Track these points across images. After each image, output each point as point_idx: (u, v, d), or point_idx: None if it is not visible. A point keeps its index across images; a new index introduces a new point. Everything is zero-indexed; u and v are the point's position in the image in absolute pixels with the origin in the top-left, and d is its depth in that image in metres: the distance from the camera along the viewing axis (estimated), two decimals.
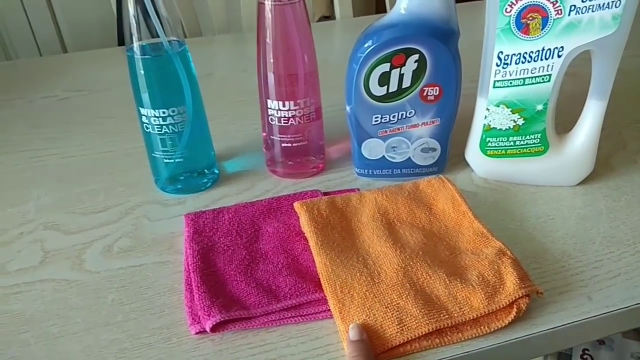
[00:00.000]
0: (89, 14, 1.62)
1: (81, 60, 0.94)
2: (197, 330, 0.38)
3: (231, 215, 0.48)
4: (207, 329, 0.37)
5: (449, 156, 0.54)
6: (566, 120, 0.51)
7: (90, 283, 0.43)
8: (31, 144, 0.65)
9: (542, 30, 0.44)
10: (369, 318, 0.37)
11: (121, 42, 1.01)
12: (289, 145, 0.53)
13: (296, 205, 0.47)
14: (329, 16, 2.08)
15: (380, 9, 1.78)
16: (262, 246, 0.45)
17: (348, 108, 0.51)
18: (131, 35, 0.45)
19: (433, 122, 0.50)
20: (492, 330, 0.37)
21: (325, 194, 0.51)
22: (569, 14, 0.43)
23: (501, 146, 0.50)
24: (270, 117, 0.52)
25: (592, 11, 0.43)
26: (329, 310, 0.39)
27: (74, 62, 0.93)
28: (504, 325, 0.37)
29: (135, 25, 0.45)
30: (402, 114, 0.50)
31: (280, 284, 0.41)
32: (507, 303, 0.37)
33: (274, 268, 0.42)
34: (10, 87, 0.81)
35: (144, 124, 0.49)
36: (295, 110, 0.51)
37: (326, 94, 0.54)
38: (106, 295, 0.42)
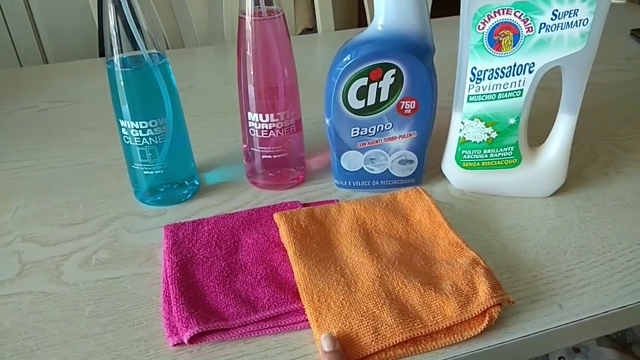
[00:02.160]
0: (70, 25, 1.61)
1: (62, 71, 0.94)
2: (175, 342, 0.38)
3: (211, 227, 0.48)
4: (185, 341, 0.37)
5: (427, 168, 0.55)
6: (539, 133, 0.53)
7: (68, 295, 0.43)
8: (10, 155, 0.64)
9: (513, 47, 0.45)
10: (344, 326, 0.37)
11: (102, 53, 1.01)
12: (269, 157, 0.54)
13: (276, 216, 0.48)
14: (312, 29, 2.10)
15: (362, 22, 1.81)
16: (241, 257, 0.45)
17: (327, 121, 0.52)
18: (111, 47, 0.46)
19: (410, 134, 0.51)
20: (465, 338, 0.37)
21: (305, 205, 0.52)
22: (539, 32, 0.44)
23: (476, 158, 0.52)
24: (250, 129, 0.53)
25: (562, 29, 0.44)
26: (307, 320, 0.39)
27: (55, 73, 0.93)
28: (476, 333, 0.37)
29: (115, 37, 0.45)
30: (380, 127, 0.51)
31: (259, 295, 0.41)
32: (480, 312, 0.38)
33: (253, 279, 0.43)
34: None
35: (124, 136, 0.49)
36: (275, 122, 0.52)
37: (308, 106, 0.55)
38: (84, 307, 0.42)
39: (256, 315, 0.39)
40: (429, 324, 0.37)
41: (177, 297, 0.40)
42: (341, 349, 0.36)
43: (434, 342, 0.37)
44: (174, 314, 0.39)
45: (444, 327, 0.37)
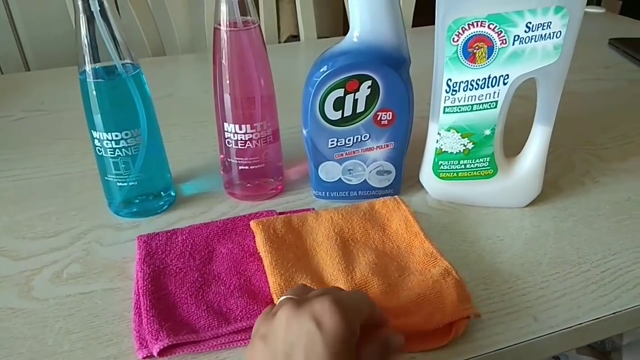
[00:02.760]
0: (51, 31, 1.59)
1: (41, 78, 0.93)
2: (145, 355, 0.37)
3: (185, 237, 0.47)
4: (155, 353, 0.37)
5: (404, 178, 0.55)
6: (517, 142, 0.53)
7: (38, 311, 0.42)
8: None
9: (487, 59, 0.45)
10: None
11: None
12: (247, 167, 0.54)
13: (252, 223, 0.47)
14: (297, 36, 2.10)
15: (347, 30, 1.82)
16: (215, 268, 0.45)
17: (305, 131, 0.52)
18: (84, 57, 0.45)
19: (387, 145, 0.51)
20: (431, 348, 0.38)
21: (280, 213, 0.52)
22: (513, 44, 0.45)
23: (453, 169, 0.52)
24: (227, 139, 0.52)
25: (535, 41, 0.45)
26: None
27: (34, 81, 0.92)
28: (442, 344, 0.38)
29: (87, 47, 0.44)
30: (357, 138, 0.51)
31: (232, 306, 0.41)
32: (445, 323, 0.38)
33: (226, 290, 0.42)
34: None
35: (97, 147, 0.49)
36: (252, 133, 0.51)
37: (288, 115, 0.54)
38: (53, 323, 0.41)
39: (228, 327, 0.39)
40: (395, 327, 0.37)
41: (148, 309, 0.40)
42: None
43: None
44: (144, 326, 0.39)
45: (409, 331, 0.37)
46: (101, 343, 0.39)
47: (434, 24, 0.46)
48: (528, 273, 0.45)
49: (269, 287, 0.42)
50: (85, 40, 0.44)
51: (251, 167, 0.54)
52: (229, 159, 0.54)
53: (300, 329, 0.29)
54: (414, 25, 1.13)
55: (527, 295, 0.43)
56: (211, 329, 0.39)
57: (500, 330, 0.40)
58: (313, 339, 0.29)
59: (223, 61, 0.48)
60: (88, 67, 0.45)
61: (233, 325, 0.39)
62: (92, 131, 0.48)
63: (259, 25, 0.49)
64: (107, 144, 0.48)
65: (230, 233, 0.48)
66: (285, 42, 1.65)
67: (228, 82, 0.49)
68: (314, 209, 0.53)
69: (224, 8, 0.46)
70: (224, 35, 0.47)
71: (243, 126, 0.51)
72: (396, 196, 0.51)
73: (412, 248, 0.46)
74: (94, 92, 0.46)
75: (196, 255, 0.46)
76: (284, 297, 0.33)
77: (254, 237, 0.47)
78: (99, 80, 0.46)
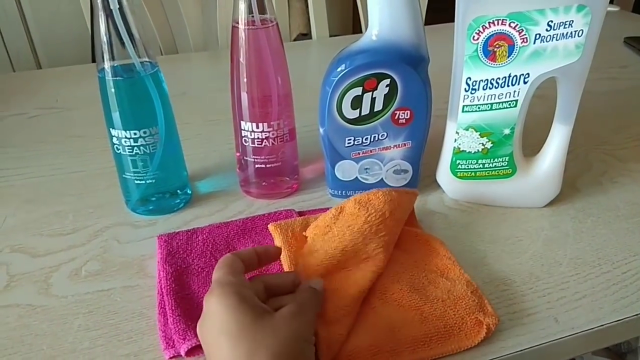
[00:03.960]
0: (63, 29, 1.60)
1: (54, 76, 0.93)
2: (172, 355, 0.37)
3: (205, 236, 0.47)
4: (182, 353, 0.37)
5: (421, 177, 0.55)
6: (535, 141, 0.52)
7: (57, 308, 0.42)
8: None
9: (508, 57, 0.45)
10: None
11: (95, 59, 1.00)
12: (263, 166, 0.53)
13: (270, 227, 0.47)
14: (307, 34, 2.10)
15: (357, 29, 1.81)
16: None
17: (321, 130, 0.51)
18: (102, 55, 0.45)
19: (405, 144, 0.51)
20: (462, 349, 0.37)
21: (300, 214, 0.52)
22: (534, 42, 0.44)
23: (471, 168, 0.51)
24: (243, 138, 0.52)
25: (557, 40, 0.44)
26: None
27: (47, 79, 0.92)
28: (474, 344, 0.37)
29: (106, 45, 0.44)
30: (374, 137, 0.50)
31: None
32: (476, 322, 0.38)
33: None
34: None
35: (115, 145, 0.49)
36: (268, 131, 0.51)
37: (302, 113, 0.54)
38: (72, 321, 0.41)
39: None
40: (427, 331, 0.37)
41: (173, 308, 0.40)
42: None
43: (430, 350, 0.37)
44: (170, 326, 0.39)
45: (441, 334, 0.37)
46: (121, 340, 0.39)
47: (446, 22, 0.45)
48: (548, 274, 0.45)
49: None
50: (104, 38, 0.44)
51: (267, 166, 0.53)
52: (245, 157, 0.54)
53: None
54: (425, 24, 1.12)
55: (548, 296, 0.42)
56: None
57: (522, 332, 0.39)
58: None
59: (241, 59, 0.48)
60: (107, 65, 0.45)
61: None
62: (111, 129, 0.48)
63: (277, 24, 0.49)
64: (125, 142, 0.48)
65: (250, 232, 0.48)
66: (294, 40, 1.65)
67: (245, 80, 0.49)
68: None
69: (242, 6, 0.46)
70: (242, 34, 0.47)
71: (260, 124, 0.51)
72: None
73: (433, 255, 0.45)
74: (113, 90, 0.46)
75: (217, 255, 0.46)
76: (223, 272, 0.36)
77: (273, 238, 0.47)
78: (117, 78, 0.46)
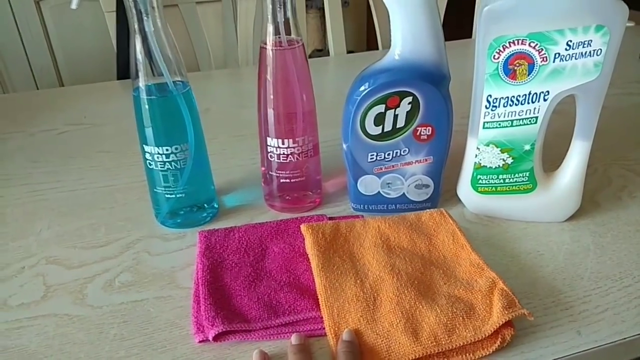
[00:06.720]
0: (86, 47, 1.65)
1: (79, 93, 0.96)
2: (201, 339, 0.41)
3: (241, 234, 0.51)
4: (210, 338, 0.40)
5: (442, 192, 0.56)
6: (554, 156, 0.53)
7: (93, 318, 0.44)
8: (31, 177, 0.66)
9: (528, 75, 0.46)
10: (360, 342, 0.39)
11: (120, 76, 1.03)
12: (287, 180, 0.55)
13: (303, 227, 0.50)
14: (322, 49, 2.13)
15: (372, 45, 1.84)
16: (267, 264, 0.48)
17: (345, 146, 0.53)
18: (137, 75, 0.47)
19: (426, 160, 0.52)
20: (477, 358, 0.38)
21: (331, 218, 0.54)
22: (553, 61, 0.46)
23: (491, 183, 0.52)
24: (269, 153, 0.54)
25: (576, 59, 0.45)
26: (324, 328, 0.41)
27: (72, 96, 0.95)
28: (488, 353, 0.38)
29: (142, 65, 0.47)
30: (396, 152, 0.52)
31: (281, 301, 0.43)
32: (492, 331, 0.39)
33: (276, 285, 0.45)
34: (10, 120, 0.83)
35: (147, 161, 0.51)
36: (294, 147, 0.53)
37: (322, 129, 0.56)
38: (108, 330, 0.42)
39: (277, 320, 0.42)
40: (443, 342, 0.38)
41: (206, 297, 0.43)
42: (358, 343, 0.39)
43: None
44: (202, 313, 0.42)
45: (457, 346, 0.38)
46: (155, 349, 0.40)
47: (461, 38, 0.47)
48: (570, 287, 0.45)
49: (315, 286, 0.44)
50: (139, 58, 0.46)
51: (292, 180, 0.55)
52: (270, 172, 0.55)
53: None
54: None
55: (570, 309, 0.43)
56: (261, 320, 0.42)
57: (545, 344, 0.40)
58: None
59: (268, 77, 0.50)
60: (141, 84, 0.47)
61: (281, 318, 0.42)
62: (144, 145, 0.50)
63: (303, 44, 0.51)
64: (157, 157, 0.50)
65: (283, 234, 0.51)
66: (310, 55, 1.68)
67: (272, 97, 0.51)
68: (362, 215, 0.54)
69: (270, 29, 0.48)
70: (269, 54, 0.49)
71: (285, 140, 0.52)
72: (442, 209, 0.52)
73: (458, 259, 0.47)
74: (147, 108, 0.48)
75: (250, 252, 0.49)
76: None
77: (304, 239, 0.49)
78: (151, 97, 0.48)
